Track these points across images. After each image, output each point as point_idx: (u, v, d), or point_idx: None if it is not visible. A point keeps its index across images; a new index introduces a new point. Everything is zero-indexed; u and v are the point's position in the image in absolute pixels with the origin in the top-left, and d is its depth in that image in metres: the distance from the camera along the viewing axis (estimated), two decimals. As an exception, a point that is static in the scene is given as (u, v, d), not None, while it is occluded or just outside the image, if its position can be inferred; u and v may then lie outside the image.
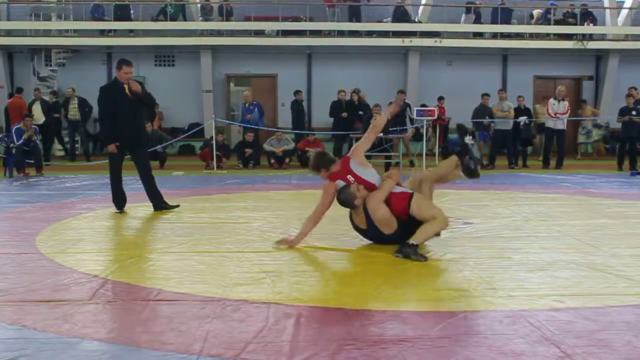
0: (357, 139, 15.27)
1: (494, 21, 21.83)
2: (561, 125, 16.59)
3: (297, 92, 19.38)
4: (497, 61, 22.48)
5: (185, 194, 10.46)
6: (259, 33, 21.52)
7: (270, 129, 18.17)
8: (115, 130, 8.83)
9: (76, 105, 18.55)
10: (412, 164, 16.67)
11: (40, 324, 4.19)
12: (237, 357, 3.60)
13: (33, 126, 15.03)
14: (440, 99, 19.40)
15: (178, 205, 9.16)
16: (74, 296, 4.82)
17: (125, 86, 8.80)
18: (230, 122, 20.40)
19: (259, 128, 17.48)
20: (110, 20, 21.33)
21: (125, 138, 8.87)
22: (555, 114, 16.49)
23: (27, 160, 14.63)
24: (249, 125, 17.29)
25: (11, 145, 14.49)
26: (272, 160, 16.90)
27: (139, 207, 9.26)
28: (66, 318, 4.29)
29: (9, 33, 21.44)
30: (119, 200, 9.05)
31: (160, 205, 9.07)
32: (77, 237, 7.18)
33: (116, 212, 8.88)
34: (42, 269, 5.74)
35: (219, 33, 21.55)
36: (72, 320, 4.26)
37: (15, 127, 14.86)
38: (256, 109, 17.98)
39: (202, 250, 6.34)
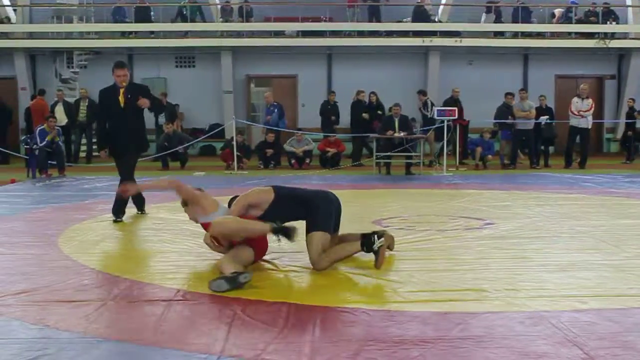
0: (377, 140, 15.31)
1: (514, 20, 21.72)
2: (585, 124, 16.47)
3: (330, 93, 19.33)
4: (518, 60, 22.36)
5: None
6: (279, 34, 21.56)
7: (290, 130, 18.18)
8: (107, 135, 8.60)
9: (86, 107, 18.59)
10: (432, 163, 16.63)
11: (62, 323, 4.22)
12: (257, 357, 3.60)
13: (56, 127, 15.13)
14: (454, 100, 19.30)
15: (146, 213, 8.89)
16: (96, 296, 4.85)
17: (121, 90, 8.45)
18: (251, 122, 20.43)
19: (280, 130, 17.49)
20: (131, 22, 21.46)
21: (116, 142, 8.52)
22: (579, 112, 16.38)
23: (49, 162, 14.74)
24: (273, 127, 17.34)
25: (34, 146, 14.60)
26: (293, 161, 16.92)
27: (160, 207, 9.30)
28: (88, 318, 4.32)
29: (31, 35, 21.65)
30: (122, 208, 8.53)
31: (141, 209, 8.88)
32: (99, 238, 7.23)
33: (117, 220, 8.38)
34: (65, 269, 5.79)
35: (239, 34, 21.63)
36: (94, 320, 4.29)
37: (39, 128, 14.97)
38: (276, 110, 18.00)
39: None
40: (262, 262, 5.81)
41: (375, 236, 5.59)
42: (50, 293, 4.96)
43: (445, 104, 17.64)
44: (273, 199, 5.77)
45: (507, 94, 17.21)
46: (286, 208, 5.75)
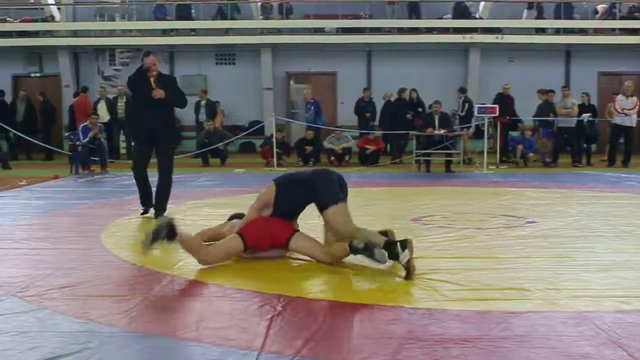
0: (417, 137, 15.25)
1: (556, 16, 21.44)
2: (629, 122, 16.22)
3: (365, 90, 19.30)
4: (560, 57, 22.07)
5: (245, 192, 10.53)
6: (318, 31, 21.56)
7: (329, 127, 18.18)
8: (139, 121, 8.33)
9: (124, 104, 18.78)
10: (470, 161, 16.50)
11: (105, 318, 4.27)
12: (297, 354, 3.60)
13: (98, 124, 15.33)
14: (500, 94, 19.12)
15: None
16: (138, 291, 4.90)
17: (152, 78, 8.28)
18: (290, 120, 20.49)
19: (319, 127, 17.50)
20: (172, 20, 21.63)
21: (148, 130, 8.24)
22: (623, 110, 16.13)
23: (92, 158, 14.93)
24: (309, 124, 17.37)
25: (77, 143, 14.80)
26: (332, 158, 16.92)
27: (201, 203, 9.36)
28: (130, 312, 4.36)
29: (74, 33, 21.95)
30: (146, 198, 8.46)
31: (159, 213, 8.30)
32: (140, 233, 7.30)
33: (142, 214, 8.42)
34: (107, 264, 5.86)
35: (279, 31, 21.69)
36: (136, 314, 4.33)
37: (82, 125, 15.17)
38: (312, 108, 18.02)
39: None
40: (302, 260, 5.81)
41: (399, 247, 5.23)
42: (93, 288, 5.02)
43: (496, 101, 17.53)
44: (275, 191, 5.78)
45: (548, 91, 17.01)
46: (291, 194, 5.76)
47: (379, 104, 18.68)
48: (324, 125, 17.95)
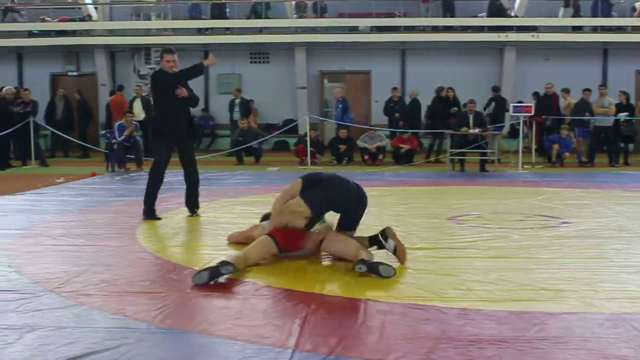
0: (452, 136, 15.17)
1: (594, 14, 21.15)
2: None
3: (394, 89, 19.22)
4: (597, 56, 21.77)
5: (279, 190, 10.55)
6: (352, 29, 21.53)
7: (359, 126, 18.14)
8: (168, 120, 8.27)
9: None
10: (498, 161, 16.30)
11: (141, 314, 4.31)
12: (331, 352, 3.61)
13: (134, 122, 15.47)
14: (535, 95, 18.96)
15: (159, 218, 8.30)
16: (173, 288, 4.94)
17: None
18: (324, 118, 20.48)
19: (347, 124, 17.47)
20: (207, 19, 21.75)
21: (171, 130, 8.28)
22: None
23: (127, 156, 15.07)
24: (338, 122, 17.37)
25: (113, 141, 14.95)
26: (366, 157, 16.89)
27: (235, 201, 9.41)
28: (165, 309, 4.40)
29: (111, 33, 22.18)
30: (151, 205, 8.32)
31: (190, 206, 8.52)
32: (175, 231, 7.37)
33: (145, 218, 8.18)
34: (143, 261, 5.92)
35: (313, 30, 21.70)
36: (171, 311, 4.37)
37: (117, 123, 15.32)
38: (340, 105, 18.01)
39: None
40: (337, 260, 5.82)
41: (381, 238, 5.75)
42: (129, 284, 5.08)
43: (539, 99, 17.39)
44: (301, 186, 5.80)
45: (584, 89, 16.82)
46: (315, 193, 5.72)
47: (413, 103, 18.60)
48: (351, 123, 17.87)
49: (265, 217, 6.41)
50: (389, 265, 5.26)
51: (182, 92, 8.16)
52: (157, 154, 8.54)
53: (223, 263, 5.08)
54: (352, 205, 5.82)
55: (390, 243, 5.68)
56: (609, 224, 7.71)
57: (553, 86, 17.52)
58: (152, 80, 8.76)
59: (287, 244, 5.72)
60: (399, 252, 5.65)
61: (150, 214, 8.21)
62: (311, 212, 5.57)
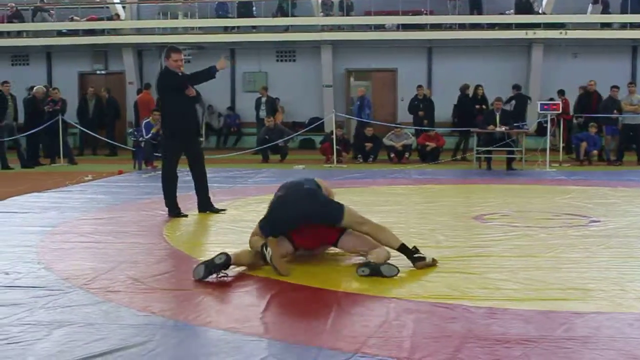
0: (478, 134, 15.09)
1: (623, 11, 20.91)
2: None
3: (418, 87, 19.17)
4: (626, 53, 21.53)
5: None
6: (379, 27, 21.50)
7: (387, 123, 18.11)
8: (174, 120, 8.29)
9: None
10: (525, 160, 16.17)
11: (168, 311, 4.34)
12: (357, 351, 3.60)
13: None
14: (560, 92, 18.81)
15: (225, 210, 8.58)
16: (200, 285, 4.96)
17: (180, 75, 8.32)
18: (350, 116, 20.45)
19: (364, 121, 17.44)
20: (234, 17, 21.83)
21: (183, 130, 8.32)
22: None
23: (155, 154, 15.15)
24: (358, 118, 17.38)
25: (140, 139, 15.05)
26: (392, 155, 16.85)
27: (261, 199, 9.42)
28: (192, 306, 4.43)
29: (139, 31, 22.34)
30: (174, 203, 8.37)
31: (205, 207, 8.54)
32: (202, 228, 7.41)
33: (172, 216, 8.24)
34: (169, 259, 5.97)
35: (340, 28, 21.70)
36: (198, 308, 4.40)
37: (145, 121, 15.42)
38: (358, 102, 18.01)
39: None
40: (362, 258, 5.81)
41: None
42: (156, 281, 5.11)
43: (580, 98, 17.27)
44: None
45: (612, 87, 16.65)
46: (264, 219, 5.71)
47: (442, 101, 18.55)
48: (366, 119, 17.81)
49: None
50: (392, 264, 5.22)
51: (191, 91, 8.22)
52: (168, 154, 8.48)
53: (219, 254, 5.12)
54: (307, 215, 5.57)
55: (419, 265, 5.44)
56: (637, 223, 7.64)
57: (595, 83, 17.38)
58: (161, 80, 8.50)
59: (303, 243, 5.73)
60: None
61: (175, 212, 8.26)
62: (263, 235, 5.48)
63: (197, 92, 8.44)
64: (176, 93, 8.22)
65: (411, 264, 5.43)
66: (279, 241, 5.52)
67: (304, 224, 5.59)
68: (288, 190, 5.74)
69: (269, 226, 5.56)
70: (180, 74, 8.28)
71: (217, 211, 8.51)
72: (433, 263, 5.48)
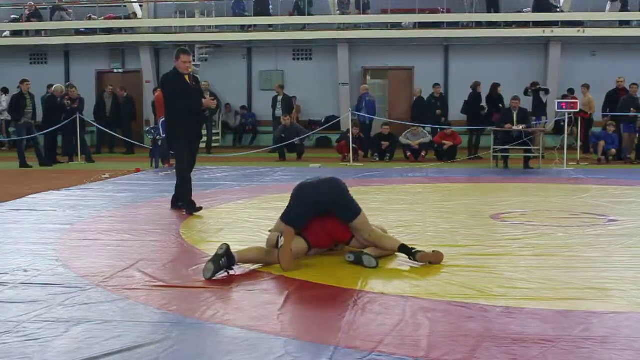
0: (495, 133, 15.03)
1: (642, 8, 20.76)
2: None
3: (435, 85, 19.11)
4: (645, 50, 21.37)
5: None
6: (395, 26, 21.44)
7: (403, 122, 18.08)
8: (181, 124, 8.44)
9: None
10: (542, 158, 16.08)
11: (184, 309, 4.37)
12: (374, 350, 3.60)
13: (178, 119, 15.56)
14: (570, 91, 18.70)
15: (201, 208, 8.50)
16: (217, 283, 4.98)
17: (187, 77, 8.46)
18: (367, 115, 20.41)
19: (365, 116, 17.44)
20: (250, 16, 21.85)
21: (188, 130, 8.49)
22: None
23: (172, 152, 15.18)
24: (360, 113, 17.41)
25: (157, 137, 15.09)
26: (409, 154, 16.82)
27: (278, 198, 9.43)
28: (209, 304, 4.45)
29: (155, 30, 22.41)
30: (191, 200, 8.50)
31: (176, 204, 8.67)
32: (218, 227, 7.42)
33: (194, 213, 8.34)
34: (186, 257, 5.99)
35: (356, 26, 21.66)
36: (215, 306, 4.41)
37: (161, 120, 15.44)
38: (362, 100, 18.07)
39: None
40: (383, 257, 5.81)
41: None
42: (173, 279, 5.14)
43: (608, 97, 17.18)
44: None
45: (631, 84, 16.54)
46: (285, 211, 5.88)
47: (456, 100, 18.51)
48: (366, 115, 17.80)
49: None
50: (373, 257, 5.45)
51: (211, 104, 8.63)
52: (179, 154, 8.61)
53: (220, 246, 5.23)
54: (328, 201, 5.75)
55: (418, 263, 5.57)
56: (656, 222, 7.58)
57: (624, 80, 17.29)
58: (167, 80, 8.65)
59: (318, 242, 5.81)
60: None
61: (194, 209, 8.35)
62: (291, 227, 5.60)
63: (213, 93, 8.59)
64: (183, 94, 8.37)
65: (423, 264, 5.49)
66: (295, 239, 5.57)
67: (323, 212, 5.74)
68: (315, 179, 5.93)
69: (291, 212, 5.73)
70: (186, 75, 8.43)
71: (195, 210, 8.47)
72: (434, 254, 5.55)
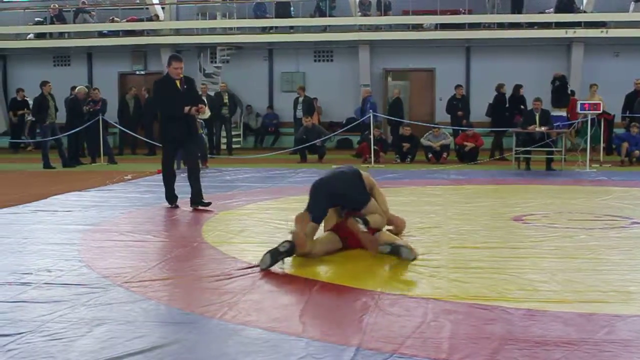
0: (517, 134, 14.96)
1: (667, 9, 20.56)
2: None
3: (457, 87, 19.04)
4: (669, 51, 21.16)
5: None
6: (416, 27, 21.38)
7: (425, 123, 18.04)
8: (167, 127, 9.01)
9: (227, 100, 19.20)
10: (565, 160, 15.96)
11: (206, 309, 4.38)
12: (395, 351, 3.60)
13: (199, 120, 15.62)
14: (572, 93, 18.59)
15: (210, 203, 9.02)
16: (237, 284, 5.00)
17: (177, 82, 8.84)
18: (388, 116, 20.39)
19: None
20: (272, 18, 21.90)
21: (178, 133, 8.93)
22: None
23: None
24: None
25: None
26: (430, 155, 16.78)
27: (298, 199, 9.44)
28: (230, 305, 4.46)
29: (177, 32, 22.51)
30: (173, 197, 9.19)
31: (197, 202, 9.01)
32: (240, 228, 7.44)
33: (171, 207, 9.04)
34: (208, 257, 6.01)
35: (377, 28, 21.64)
36: (236, 307, 4.42)
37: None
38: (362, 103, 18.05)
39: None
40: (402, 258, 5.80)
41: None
42: (195, 280, 5.17)
43: (628, 98, 17.07)
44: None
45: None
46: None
47: (480, 100, 18.44)
48: (361, 116, 17.80)
49: None
50: (412, 249, 5.67)
51: (203, 110, 9.04)
52: (165, 158, 9.32)
53: (283, 242, 5.48)
54: (340, 194, 6.11)
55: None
56: (681, 224, 7.51)
57: None
58: (158, 86, 9.15)
59: (348, 241, 6.03)
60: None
61: (173, 204, 9.12)
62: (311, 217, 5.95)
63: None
64: (169, 100, 8.82)
65: (443, 265, 5.54)
66: (331, 237, 5.99)
67: (338, 202, 6.13)
68: (328, 174, 6.29)
69: (312, 205, 6.02)
70: (177, 80, 8.83)
71: (206, 205, 8.95)
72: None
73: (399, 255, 5.63)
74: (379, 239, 5.92)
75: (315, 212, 5.95)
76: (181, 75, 8.87)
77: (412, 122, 17.68)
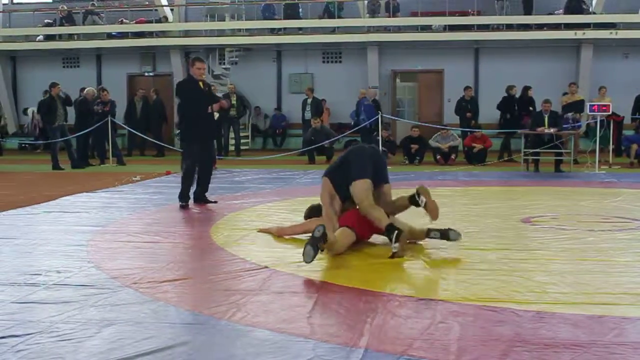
0: (526, 136, 14.92)
1: (676, 10, 20.48)
2: None
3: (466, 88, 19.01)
4: (679, 53, 21.08)
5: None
6: (425, 28, 21.37)
7: (434, 125, 18.02)
8: (194, 126, 9.21)
9: (235, 102, 19.23)
10: (576, 161, 15.93)
11: (215, 310, 4.38)
12: (403, 353, 3.60)
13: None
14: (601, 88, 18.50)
15: (216, 202, 9.48)
16: (246, 286, 5.00)
17: (200, 83, 9.22)
18: (396, 118, 20.39)
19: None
20: (280, 19, 21.92)
21: (205, 132, 9.32)
22: None
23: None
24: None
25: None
26: (438, 156, 16.76)
27: (307, 200, 9.44)
28: (239, 307, 4.46)
29: (186, 33, 22.55)
30: (187, 196, 9.32)
31: (201, 198, 9.42)
32: (248, 229, 7.44)
33: (182, 205, 9.19)
34: (217, 259, 6.02)
35: (386, 29, 21.63)
36: (244, 309, 4.43)
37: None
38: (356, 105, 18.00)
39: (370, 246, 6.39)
40: (409, 259, 5.79)
41: (416, 196, 6.29)
42: (204, 281, 5.17)
43: (637, 99, 17.06)
44: (331, 182, 6.43)
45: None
46: (340, 179, 6.35)
47: (488, 102, 18.42)
48: (366, 119, 17.75)
49: (309, 214, 6.95)
50: (457, 231, 6.21)
51: (224, 104, 9.06)
52: (188, 160, 9.40)
53: (317, 228, 5.51)
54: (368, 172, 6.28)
55: (422, 199, 6.21)
56: (691, 226, 7.48)
57: None
58: (183, 87, 9.46)
59: (362, 234, 6.22)
60: (429, 208, 6.21)
61: (185, 203, 9.21)
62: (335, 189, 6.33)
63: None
64: (196, 100, 9.16)
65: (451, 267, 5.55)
66: (346, 231, 6.03)
67: (375, 172, 6.33)
68: (363, 144, 6.81)
69: (363, 170, 6.25)
70: (200, 81, 9.25)
71: (209, 202, 9.41)
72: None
73: (448, 238, 6.15)
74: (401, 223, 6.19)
75: (365, 174, 6.18)
76: (204, 76, 9.32)
77: (420, 123, 17.64)
